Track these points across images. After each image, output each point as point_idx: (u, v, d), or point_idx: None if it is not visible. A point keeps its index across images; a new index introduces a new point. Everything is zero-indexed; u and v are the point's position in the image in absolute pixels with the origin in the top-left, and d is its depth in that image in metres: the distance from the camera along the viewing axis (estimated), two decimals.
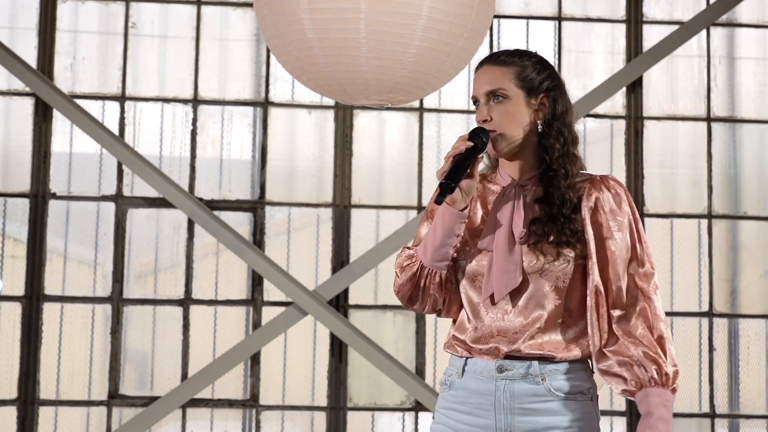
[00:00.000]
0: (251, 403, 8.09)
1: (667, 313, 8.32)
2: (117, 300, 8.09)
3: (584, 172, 2.98)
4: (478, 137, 2.88)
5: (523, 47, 8.55)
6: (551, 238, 2.86)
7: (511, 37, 8.56)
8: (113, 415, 8.02)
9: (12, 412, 7.94)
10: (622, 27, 8.53)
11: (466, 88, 8.35)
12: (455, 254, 2.96)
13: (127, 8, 8.30)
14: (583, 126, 8.51)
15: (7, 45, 8.06)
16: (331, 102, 8.23)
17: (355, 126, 8.31)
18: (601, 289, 2.84)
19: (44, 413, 8.00)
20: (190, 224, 8.15)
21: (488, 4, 4.68)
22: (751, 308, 8.40)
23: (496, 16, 8.44)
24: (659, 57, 8.41)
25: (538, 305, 2.86)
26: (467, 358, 2.92)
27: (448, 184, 2.79)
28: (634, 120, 8.43)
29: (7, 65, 7.98)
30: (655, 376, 2.84)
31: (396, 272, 3.02)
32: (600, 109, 8.43)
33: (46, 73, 8.13)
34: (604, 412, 8.20)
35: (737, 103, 8.57)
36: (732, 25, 8.61)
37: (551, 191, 2.89)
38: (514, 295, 2.88)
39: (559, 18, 8.55)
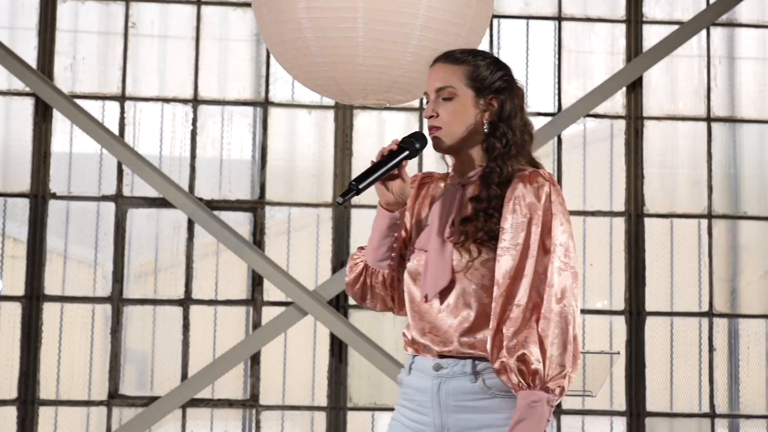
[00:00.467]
0: (251, 403, 8.09)
1: (667, 313, 8.32)
2: (117, 300, 8.09)
3: (523, 168, 2.95)
4: (411, 142, 2.90)
5: (523, 47, 8.58)
6: (476, 237, 2.87)
7: (511, 37, 8.56)
8: (113, 415, 8.02)
9: (12, 412, 7.94)
10: (622, 27, 8.53)
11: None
12: (401, 254, 3.02)
13: (127, 8, 8.31)
14: (583, 126, 8.51)
15: (7, 45, 8.07)
16: (331, 102, 8.23)
17: (355, 126, 8.32)
18: (499, 279, 2.83)
19: (44, 413, 8.00)
20: (190, 224, 8.15)
21: (486, 4, 4.68)
22: (751, 308, 8.40)
23: (495, 16, 8.44)
24: (659, 57, 8.41)
25: (466, 304, 2.88)
26: (414, 356, 2.95)
27: (353, 185, 2.83)
28: (634, 120, 8.42)
29: (7, 65, 7.98)
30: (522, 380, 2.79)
31: (347, 271, 3.10)
32: (600, 109, 8.42)
33: (46, 73, 8.14)
34: (604, 412, 8.20)
35: (737, 103, 8.57)
36: (732, 25, 8.61)
37: (483, 190, 2.91)
38: (446, 294, 2.89)
39: (559, 18, 8.55)
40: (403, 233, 3.04)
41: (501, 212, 2.87)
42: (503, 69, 3.00)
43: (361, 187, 2.83)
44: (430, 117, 2.95)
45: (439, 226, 2.93)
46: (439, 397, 2.89)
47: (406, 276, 2.99)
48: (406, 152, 2.89)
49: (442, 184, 3.05)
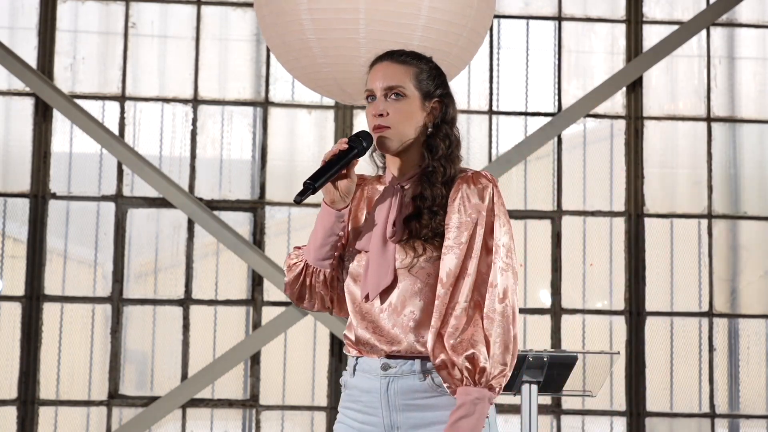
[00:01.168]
0: (251, 403, 8.09)
1: (667, 313, 8.32)
2: (117, 300, 8.09)
3: (465, 170, 3.00)
4: (359, 141, 2.90)
5: (523, 47, 8.58)
6: (421, 234, 2.88)
7: (511, 37, 8.57)
8: (113, 415, 8.02)
9: (12, 412, 7.94)
10: (622, 27, 8.53)
11: (466, 88, 8.35)
12: (340, 254, 3.01)
13: (127, 8, 8.31)
14: (583, 126, 8.51)
15: (7, 45, 8.06)
16: (331, 102, 8.22)
17: (355, 126, 8.31)
18: (443, 278, 2.85)
19: (44, 413, 8.00)
20: (190, 224, 8.15)
21: (488, 4, 4.68)
22: (751, 308, 8.40)
23: (496, 16, 8.44)
24: (659, 57, 8.41)
25: (410, 303, 2.89)
26: (358, 357, 2.95)
27: (309, 185, 2.83)
28: (634, 120, 8.43)
29: (7, 65, 7.98)
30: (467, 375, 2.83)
31: (285, 270, 3.06)
32: (600, 109, 8.43)
33: (46, 73, 8.13)
34: (604, 412, 8.21)
35: (737, 103, 8.58)
36: (732, 25, 8.61)
37: (427, 188, 2.92)
38: (388, 293, 2.90)
39: (559, 18, 8.55)
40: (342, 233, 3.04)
41: (445, 210, 2.89)
42: (442, 75, 3.04)
43: (317, 185, 2.85)
44: (380, 115, 2.93)
45: (380, 226, 2.93)
46: (388, 396, 2.89)
47: (347, 277, 2.98)
48: (355, 151, 2.89)
49: (378, 186, 3.04)
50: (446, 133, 2.97)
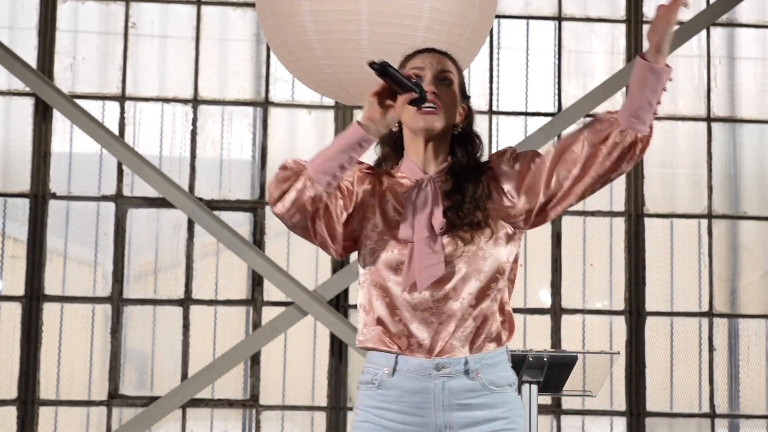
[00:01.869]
0: (251, 403, 8.09)
1: (667, 313, 8.33)
2: (117, 300, 8.09)
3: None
4: (420, 87, 2.85)
5: (523, 47, 8.58)
6: (463, 224, 2.89)
7: (511, 37, 8.57)
8: (113, 415, 8.02)
9: (12, 412, 7.94)
10: (622, 27, 8.54)
11: (467, 88, 8.34)
12: (370, 243, 2.94)
13: (127, 8, 8.30)
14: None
15: (7, 45, 8.06)
16: (331, 102, 8.22)
17: None
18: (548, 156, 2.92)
19: (44, 413, 8.00)
20: (190, 224, 8.15)
21: (490, 4, 4.69)
22: (751, 308, 8.40)
23: (496, 16, 8.43)
24: None
25: (461, 292, 2.89)
26: (398, 356, 2.90)
27: (382, 64, 2.75)
28: None
29: (7, 65, 7.97)
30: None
31: (275, 174, 2.89)
32: (600, 109, 8.42)
33: (46, 73, 8.13)
34: (604, 412, 8.21)
35: (737, 103, 8.58)
36: (732, 25, 8.62)
37: (464, 183, 2.94)
38: (438, 285, 2.88)
39: (559, 18, 8.55)
40: (347, 203, 2.94)
41: (484, 199, 2.92)
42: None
43: (388, 68, 2.75)
44: (434, 93, 2.92)
45: (422, 217, 2.91)
46: (443, 396, 2.88)
47: (382, 268, 2.92)
48: (419, 92, 2.83)
49: (400, 179, 2.99)
50: (476, 134, 3.03)
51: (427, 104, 2.89)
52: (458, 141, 2.99)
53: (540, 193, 2.92)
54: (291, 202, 2.84)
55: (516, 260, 2.99)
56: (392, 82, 2.78)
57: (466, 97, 3.03)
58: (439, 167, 2.98)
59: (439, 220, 2.90)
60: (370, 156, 3.04)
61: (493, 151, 3.04)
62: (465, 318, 2.89)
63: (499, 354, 2.94)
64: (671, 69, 2.83)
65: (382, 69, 2.75)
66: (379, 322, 2.92)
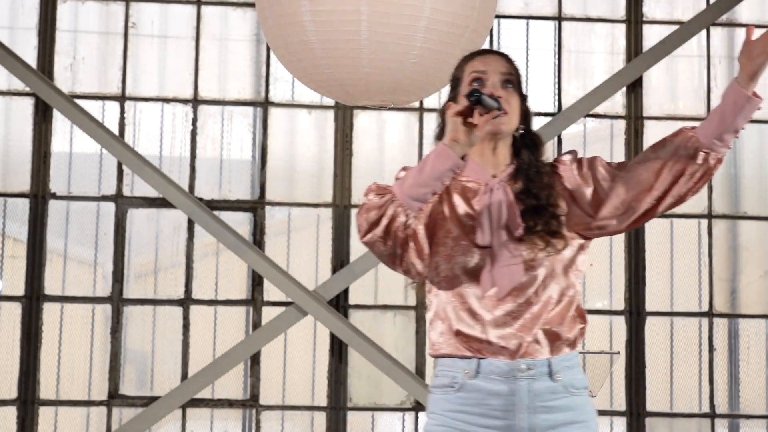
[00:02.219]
0: (251, 403, 8.09)
1: (667, 313, 8.33)
2: (117, 300, 8.09)
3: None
4: (496, 100, 2.82)
5: (523, 47, 8.58)
6: (540, 229, 2.89)
7: (511, 37, 8.56)
8: (113, 415, 8.02)
9: (12, 412, 7.94)
10: (622, 27, 8.53)
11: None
12: (445, 249, 2.92)
13: (127, 8, 8.30)
14: (583, 126, 8.51)
15: (7, 45, 8.06)
16: (331, 102, 8.22)
17: (355, 126, 8.32)
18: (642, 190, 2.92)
19: (44, 413, 8.00)
20: (190, 224, 8.15)
21: (489, 5, 4.69)
22: (751, 308, 8.40)
23: (496, 16, 8.42)
24: (659, 57, 8.41)
25: (541, 296, 2.89)
26: (480, 359, 2.89)
27: (478, 92, 2.73)
28: (634, 120, 8.43)
29: (7, 65, 7.97)
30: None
31: (363, 202, 2.86)
32: (600, 109, 8.42)
33: (46, 73, 8.13)
34: (604, 412, 8.21)
35: None
36: (732, 25, 8.61)
37: (534, 186, 2.94)
38: (519, 290, 2.88)
39: (559, 18, 8.55)
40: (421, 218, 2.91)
41: (557, 204, 2.93)
42: None
43: (483, 97, 2.74)
44: (499, 97, 2.91)
45: (499, 221, 2.90)
46: (528, 398, 2.87)
47: (460, 274, 2.91)
48: (499, 110, 2.83)
49: (466, 182, 2.97)
50: (537, 135, 3.03)
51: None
52: (522, 142, 3.00)
53: (617, 212, 2.93)
54: (383, 231, 2.82)
55: (581, 273, 3.00)
56: (481, 105, 2.78)
57: (524, 99, 3.03)
58: (506, 169, 2.98)
59: (516, 224, 2.90)
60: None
61: None
62: (546, 321, 2.89)
63: (575, 356, 2.95)
64: (761, 99, 2.89)
65: (477, 100, 2.75)
66: (458, 330, 2.90)
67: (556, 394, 2.88)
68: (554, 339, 2.90)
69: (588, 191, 2.94)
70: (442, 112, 2.93)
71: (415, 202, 2.80)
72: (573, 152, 3.02)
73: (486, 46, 8.34)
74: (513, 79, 2.98)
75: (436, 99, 8.35)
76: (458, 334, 2.91)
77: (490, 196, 2.93)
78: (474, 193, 2.96)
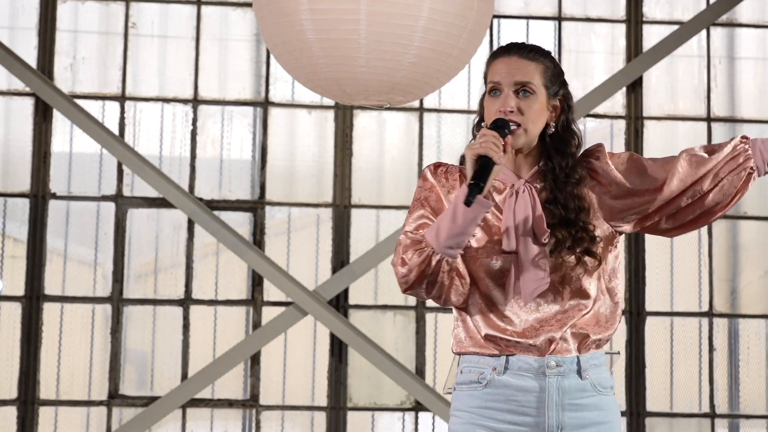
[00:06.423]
0: (251, 403, 8.10)
1: (667, 313, 8.33)
2: (117, 300, 8.09)
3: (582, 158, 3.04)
4: (503, 132, 2.83)
5: None
6: (569, 245, 2.87)
7: (511, 37, 8.56)
8: (113, 415, 8.02)
9: (12, 412, 7.94)
10: (622, 27, 8.53)
11: (466, 87, 8.35)
12: (470, 251, 2.91)
13: (127, 8, 8.31)
14: (583, 126, 8.51)
15: (7, 45, 8.06)
16: (331, 102, 8.22)
17: (355, 126, 8.31)
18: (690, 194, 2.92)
19: (44, 413, 8.00)
20: (190, 224, 8.15)
21: (488, 4, 4.69)
22: (751, 308, 8.40)
23: (495, 16, 8.44)
24: (659, 57, 8.41)
25: (568, 299, 2.89)
26: (508, 356, 2.88)
27: (477, 185, 2.71)
28: (634, 120, 8.43)
29: (7, 65, 7.98)
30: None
31: (401, 259, 2.85)
32: (600, 109, 8.42)
33: (46, 73, 8.13)
34: None
35: (737, 103, 8.57)
36: (732, 25, 8.61)
37: (564, 194, 2.90)
38: (545, 295, 2.88)
39: (559, 18, 8.55)
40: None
41: (588, 211, 2.90)
42: (562, 72, 3.03)
43: (483, 185, 2.73)
44: (511, 111, 2.89)
45: (526, 227, 2.88)
46: (558, 395, 2.87)
47: (485, 276, 2.90)
48: (509, 133, 2.85)
49: (494, 182, 2.93)
50: (573, 133, 2.96)
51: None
52: (552, 141, 2.95)
53: (660, 219, 2.93)
54: (429, 284, 2.85)
55: (615, 271, 2.98)
56: (491, 169, 2.78)
57: (556, 94, 2.95)
58: (533, 170, 2.95)
59: (543, 230, 2.87)
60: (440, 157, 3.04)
61: None
62: (574, 323, 2.89)
63: (602, 355, 2.96)
64: None
65: (479, 185, 2.74)
66: (486, 332, 2.90)
67: (584, 392, 2.88)
68: (582, 338, 2.90)
69: (629, 190, 2.92)
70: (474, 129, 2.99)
71: (455, 250, 2.82)
72: (601, 146, 2.99)
73: (485, 45, 8.35)
74: (531, 87, 2.90)
75: (436, 99, 8.35)
76: (486, 335, 2.91)
77: (515, 200, 2.91)
78: (498, 192, 2.95)
